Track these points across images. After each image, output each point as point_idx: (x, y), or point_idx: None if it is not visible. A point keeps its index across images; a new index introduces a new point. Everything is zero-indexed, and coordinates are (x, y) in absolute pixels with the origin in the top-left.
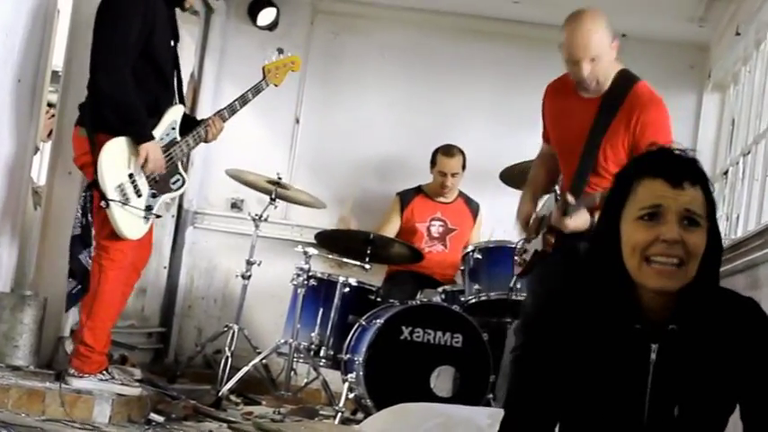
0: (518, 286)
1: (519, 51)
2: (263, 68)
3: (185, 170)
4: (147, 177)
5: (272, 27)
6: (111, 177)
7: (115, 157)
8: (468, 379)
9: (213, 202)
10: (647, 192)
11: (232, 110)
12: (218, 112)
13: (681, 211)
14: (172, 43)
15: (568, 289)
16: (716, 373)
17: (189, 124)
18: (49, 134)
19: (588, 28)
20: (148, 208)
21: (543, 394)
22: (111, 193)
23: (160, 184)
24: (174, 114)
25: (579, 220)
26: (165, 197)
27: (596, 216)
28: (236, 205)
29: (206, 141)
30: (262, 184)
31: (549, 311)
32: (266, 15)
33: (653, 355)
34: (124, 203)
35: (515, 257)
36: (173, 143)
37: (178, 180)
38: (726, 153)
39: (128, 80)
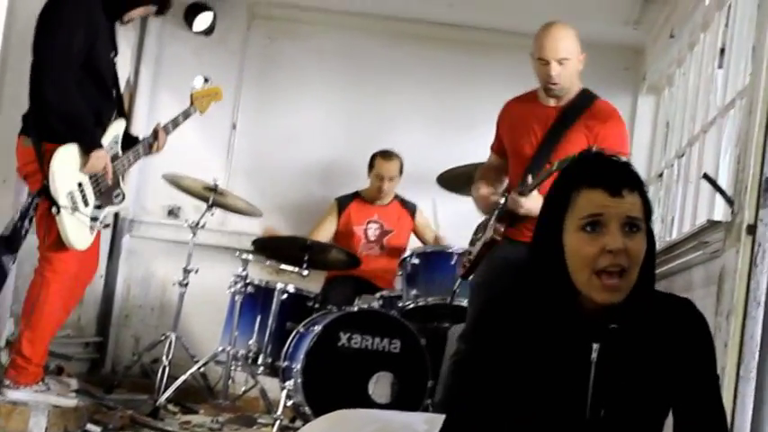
0: (457, 291)
1: (454, 54)
2: (191, 95)
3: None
4: (94, 188)
5: (208, 32)
6: (62, 184)
7: (66, 164)
8: (407, 385)
9: (150, 209)
10: (587, 202)
11: (166, 131)
12: (158, 128)
13: (622, 219)
14: (112, 55)
15: (510, 294)
16: (654, 371)
17: (128, 141)
18: None
19: (560, 32)
20: (93, 218)
21: (488, 398)
22: (62, 199)
23: (104, 196)
24: (117, 128)
25: (533, 203)
26: (108, 210)
27: None
28: (172, 212)
29: (150, 153)
30: (198, 189)
31: (491, 316)
32: (202, 20)
33: (594, 355)
34: (74, 210)
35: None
36: (116, 157)
37: (119, 194)
38: (661, 155)
39: (74, 89)
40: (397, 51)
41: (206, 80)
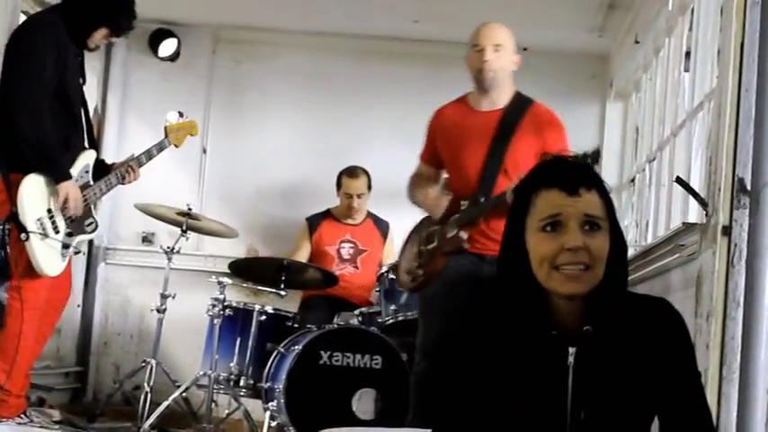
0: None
1: (420, 70)
2: (165, 128)
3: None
4: (65, 215)
5: (173, 58)
6: (30, 210)
7: (34, 191)
8: (390, 400)
9: (124, 236)
10: (545, 202)
11: (139, 163)
12: (129, 159)
13: (580, 217)
14: (80, 83)
15: (480, 305)
16: (633, 371)
17: (100, 169)
18: None
19: (497, 24)
20: (65, 245)
21: (469, 412)
22: (31, 225)
23: (75, 225)
24: (88, 158)
25: None
26: (80, 238)
27: None
28: (147, 239)
29: (122, 184)
30: (172, 216)
31: (465, 329)
32: (167, 46)
33: (570, 359)
34: (44, 236)
35: (406, 274)
36: (86, 186)
37: (92, 223)
38: (632, 160)
39: (47, 118)
40: (364, 69)
41: (180, 114)
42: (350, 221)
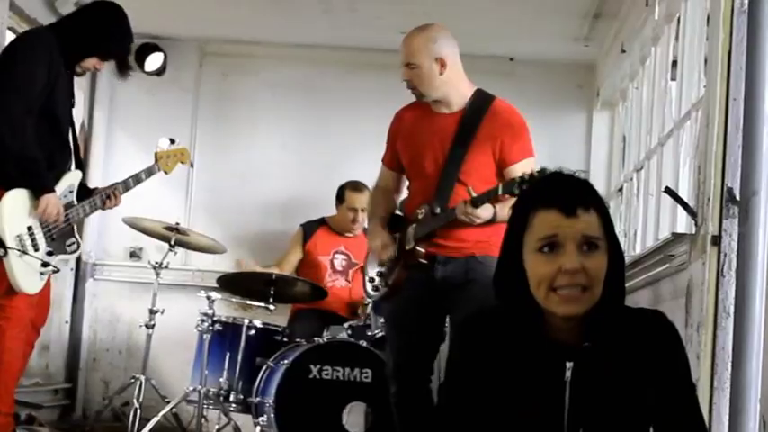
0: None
1: None
2: (156, 154)
3: (80, 232)
4: (45, 233)
5: (160, 72)
6: (10, 226)
7: (15, 207)
8: (380, 413)
9: (112, 252)
10: (542, 223)
11: (126, 186)
12: (114, 185)
13: (578, 239)
14: (70, 103)
15: (478, 321)
16: (629, 385)
17: (82, 193)
18: None
19: (409, 37)
20: (44, 264)
21: (466, 426)
22: (10, 241)
23: (56, 243)
24: (73, 179)
25: (487, 212)
26: (61, 257)
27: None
28: (135, 254)
29: (102, 209)
30: (160, 230)
31: (463, 344)
32: (154, 61)
33: (568, 374)
34: (23, 252)
35: (371, 283)
36: (70, 205)
37: (73, 243)
38: (619, 170)
39: (29, 132)
40: (351, 81)
41: (172, 141)
42: (347, 234)
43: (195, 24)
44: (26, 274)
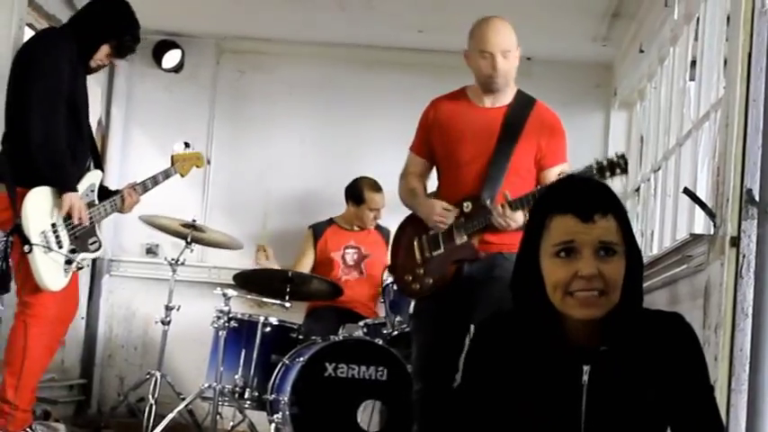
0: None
1: (425, 79)
2: (172, 157)
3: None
4: (69, 231)
5: (177, 69)
6: (35, 223)
7: (39, 204)
8: (395, 412)
9: (128, 248)
10: (558, 228)
11: (144, 188)
12: (133, 186)
13: (595, 244)
14: (86, 99)
15: (495, 323)
16: (647, 389)
17: (103, 192)
18: None
19: (502, 24)
20: (68, 261)
21: (482, 429)
22: (35, 238)
23: (79, 241)
24: (94, 178)
25: (522, 217)
26: (83, 256)
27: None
28: (151, 250)
29: (121, 211)
30: (176, 227)
31: (479, 346)
32: (171, 58)
33: (585, 377)
34: (47, 250)
35: (407, 277)
36: (91, 204)
37: (95, 242)
38: (636, 170)
39: (62, 131)
40: (368, 79)
41: (187, 145)
42: (355, 229)
43: (212, 22)
44: (50, 271)
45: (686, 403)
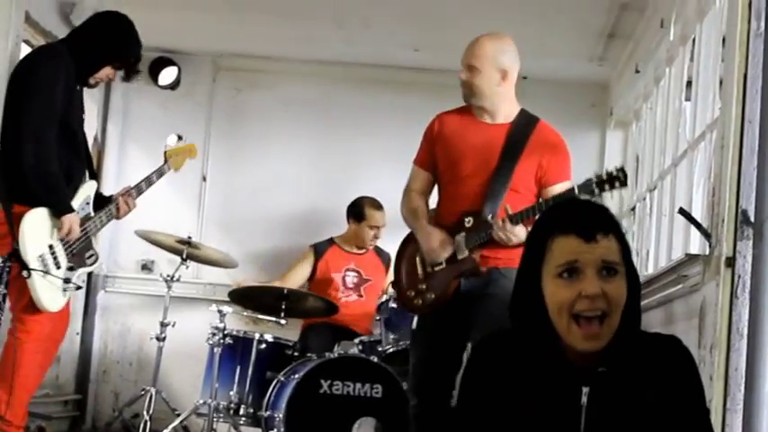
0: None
1: (421, 98)
2: (165, 153)
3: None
4: (66, 250)
5: (174, 86)
6: (32, 247)
7: (36, 227)
8: (390, 429)
9: (123, 264)
10: (561, 249)
11: (139, 190)
12: (127, 189)
13: (598, 264)
14: (82, 115)
15: (494, 343)
16: (645, 411)
17: (99, 200)
18: None
19: (480, 40)
20: (66, 281)
21: None
22: (33, 263)
23: (76, 258)
24: (89, 190)
25: (523, 232)
26: (81, 271)
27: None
28: (146, 267)
29: (117, 218)
30: (171, 244)
31: (477, 366)
32: (168, 75)
33: (584, 399)
34: (45, 273)
35: (409, 293)
36: (87, 218)
37: (92, 255)
38: (632, 189)
39: (54, 152)
40: (364, 97)
41: (179, 138)
42: (355, 251)
43: (209, 39)
44: (49, 293)
45: (682, 426)
